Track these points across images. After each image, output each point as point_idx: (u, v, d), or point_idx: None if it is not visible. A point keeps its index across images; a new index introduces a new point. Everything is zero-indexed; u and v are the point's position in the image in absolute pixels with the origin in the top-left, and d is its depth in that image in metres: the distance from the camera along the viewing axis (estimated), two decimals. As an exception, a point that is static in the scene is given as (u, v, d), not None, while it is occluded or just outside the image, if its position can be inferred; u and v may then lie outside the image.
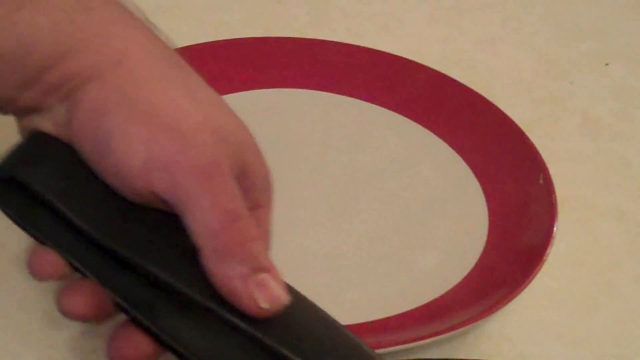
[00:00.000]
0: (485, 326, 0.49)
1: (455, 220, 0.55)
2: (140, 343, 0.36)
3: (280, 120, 0.62)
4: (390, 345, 0.45)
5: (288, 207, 0.55)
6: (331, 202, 0.56)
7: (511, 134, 0.59)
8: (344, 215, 0.55)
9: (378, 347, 0.45)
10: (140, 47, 0.37)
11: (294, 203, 0.55)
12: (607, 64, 0.72)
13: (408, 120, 0.60)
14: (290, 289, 0.37)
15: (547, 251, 0.50)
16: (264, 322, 0.35)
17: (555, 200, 0.53)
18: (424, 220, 0.55)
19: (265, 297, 0.35)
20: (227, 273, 0.35)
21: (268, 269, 0.35)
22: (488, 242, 0.54)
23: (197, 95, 0.37)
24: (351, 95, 0.63)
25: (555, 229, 0.51)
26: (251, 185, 0.38)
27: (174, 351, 0.36)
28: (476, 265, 0.52)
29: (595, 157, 0.63)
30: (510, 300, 0.47)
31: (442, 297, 0.50)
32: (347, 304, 0.50)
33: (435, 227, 0.55)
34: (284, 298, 0.36)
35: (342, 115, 0.62)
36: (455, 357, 0.47)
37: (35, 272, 0.36)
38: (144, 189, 0.35)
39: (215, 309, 0.35)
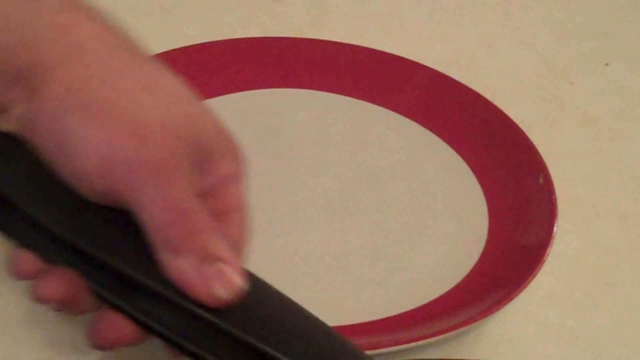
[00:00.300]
0: (485, 326, 0.49)
1: (455, 220, 0.55)
2: (123, 326, 0.36)
3: (280, 120, 0.62)
4: (390, 345, 0.45)
5: (288, 207, 0.55)
6: (331, 202, 0.56)
7: (511, 134, 0.59)
8: (343, 215, 0.55)
9: (378, 347, 0.45)
10: (98, 38, 0.37)
11: (293, 203, 0.55)
12: (607, 64, 0.72)
13: (408, 120, 0.60)
14: (252, 277, 0.37)
15: (547, 251, 0.50)
16: (226, 310, 0.36)
17: (555, 200, 0.53)
18: (424, 220, 0.55)
19: (221, 285, 0.35)
20: (179, 266, 0.35)
21: (221, 257, 0.36)
22: (488, 242, 0.54)
23: (156, 86, 0.37)
24: (351, 95, 0.63)
25: (555, 229, 0.51)
26: (216, 164, 0.38)
27: (157, 333, 0.36)
28: (476, 265, 0.52)
29: (595, 157, 0.63)
30: (510, 300, 0.47)
31: (442, 297, 0.50)
32: (347, 304, 0.50)
33: (435, 227, 0.55)
34: (240, 284, 0.36)
35: (342, 115, 0.62)
36: (455, 357, 0.47)
37: (13, 271, 0.37)
38: (102, 190, 0.36)
39: (178, 301, 0.35)
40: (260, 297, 0.37)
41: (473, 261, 0.52)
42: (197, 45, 0.63)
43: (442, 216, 0.56)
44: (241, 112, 0.61)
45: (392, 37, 0.72)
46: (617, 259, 0.55)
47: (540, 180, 0.55)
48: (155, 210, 0.35)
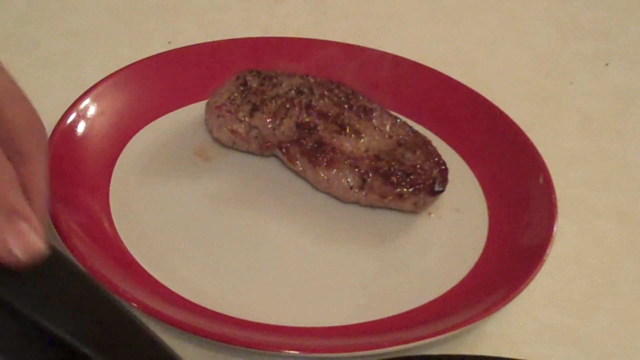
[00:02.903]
0: (485, 326, 0.49)
1: (455, 220, 0.55)
2: None
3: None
4: (390, 345, 0.45)
5: (287, 205, 0.55)
6: (330, 201, 0.56)
7: (511, 134, 0.59)
8: (343, 215, 0.55)
9: (378, 347, 0.45)
10: None
11: (292, 201, 0.55)
12: (607, 64, 0.72)
13: (408, 120, 0.60)
14: (53, 249, 0.35)
15: (547, 251, 0.50)
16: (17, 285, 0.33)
17: (555, 200, 0.53)
18: (423, 220, 0.55)
19: (19, 244, 0.33)
20: None
21: (22, 215, 0.34)
22: (488, 242, 0.54)
23: None
24: (351, 95, 0.63)
25: (555, 229, 0.51)
26: (10, 134, 0.37)
27: None
28: (476, 265, 0.52)
29: (595, 157, 0.63)
30: (510, 300, 0.47)
31: (442, 297, 0.50)
32: (347, 304, 0.50)
33: (435, 227, 0.55)
34: (40, 246, 0.34)
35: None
36: (455, 357, 0.47)
37: None
38: None
39: None
40: (57, 272, 0.35)
41: (473, 261, 0.52)
42: (197, 45, 0.63)
43: (441, 216, 0.56)
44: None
45: (392, 37, 0.72)
46: (617, 259, 0.55)
47: (540, 180, 0.55)
48: None
